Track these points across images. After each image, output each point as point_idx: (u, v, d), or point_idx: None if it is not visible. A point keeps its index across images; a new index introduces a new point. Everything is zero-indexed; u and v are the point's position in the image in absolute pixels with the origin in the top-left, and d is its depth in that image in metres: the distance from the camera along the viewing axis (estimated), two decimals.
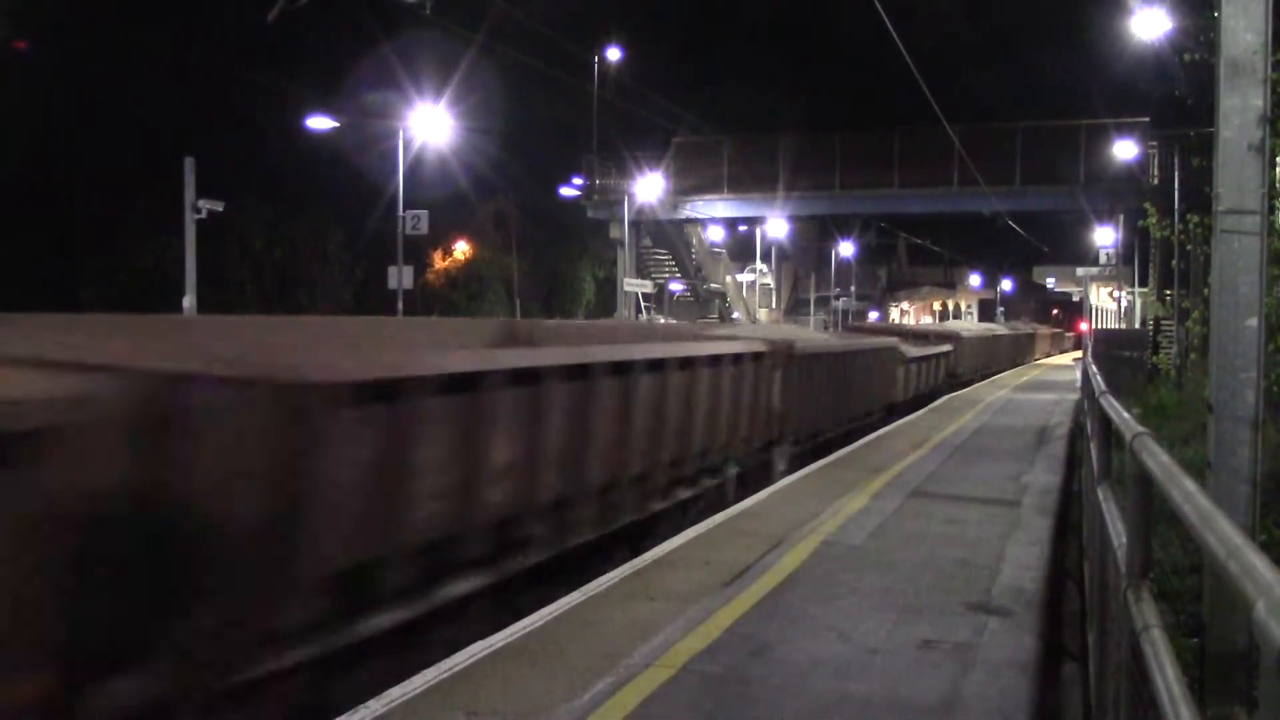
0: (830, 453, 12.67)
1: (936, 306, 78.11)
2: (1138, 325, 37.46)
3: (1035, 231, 54.49)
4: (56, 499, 3.51)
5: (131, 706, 3.84)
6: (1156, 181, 28.16)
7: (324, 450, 4.64)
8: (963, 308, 78.35)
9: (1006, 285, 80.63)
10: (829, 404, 13.93)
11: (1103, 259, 41.69)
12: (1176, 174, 20.50)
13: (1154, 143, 31.16)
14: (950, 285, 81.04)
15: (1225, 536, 1.79)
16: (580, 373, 6.95)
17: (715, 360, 9.43)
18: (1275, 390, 8.11)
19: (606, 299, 47.12)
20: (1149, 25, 17.86)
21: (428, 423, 5.39)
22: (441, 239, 43.79)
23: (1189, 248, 15.42)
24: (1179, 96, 15.27)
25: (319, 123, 27.04)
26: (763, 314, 53.44)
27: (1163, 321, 26.14)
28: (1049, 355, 51.34)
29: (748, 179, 39.83)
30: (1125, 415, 4.07)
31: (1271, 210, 6.85)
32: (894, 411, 18.39)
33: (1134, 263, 38.23)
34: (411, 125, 27.09)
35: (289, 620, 4.47)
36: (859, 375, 15.70)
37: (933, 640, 5.30)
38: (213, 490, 4.03)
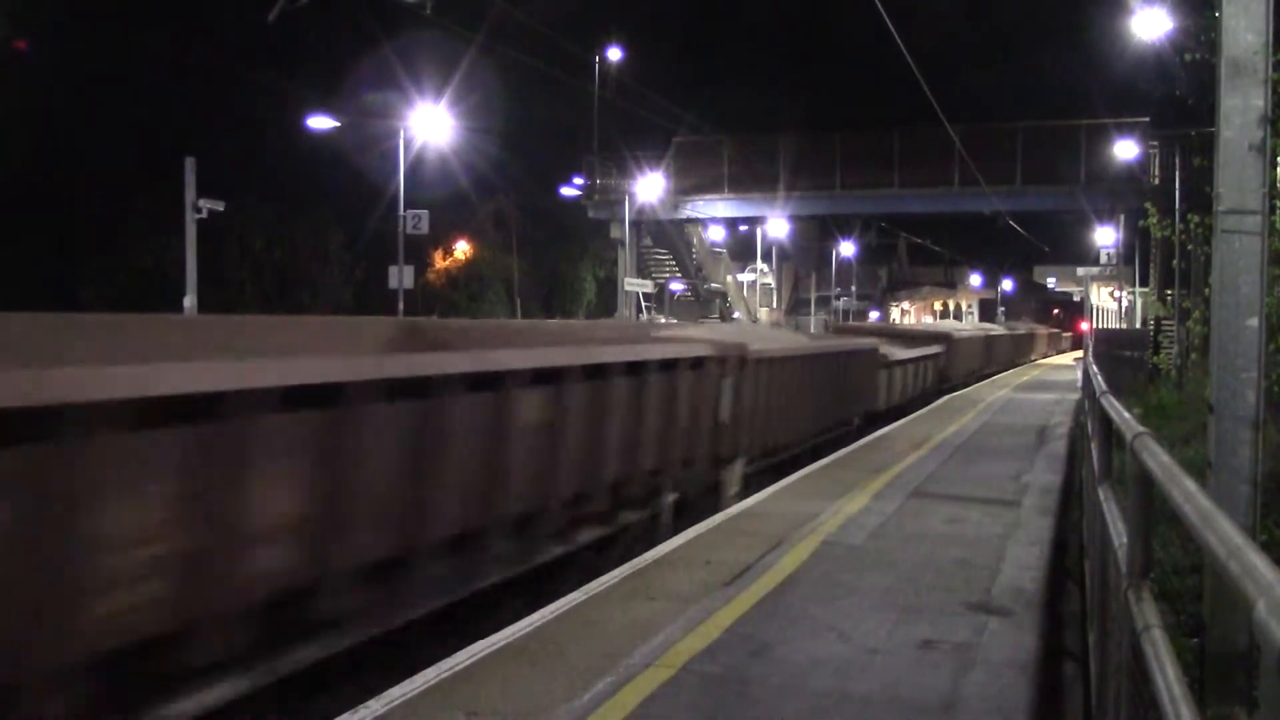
0: (797, 469, 11.40)
1: (937, 306, 78.09)
2: (1138, 325, 37.46)
3: (1036, 231, 54.52)
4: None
5: None
6: (1157, 181, 28.16)
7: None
8: (964, 308, 78.32)
9: (1007, 285, 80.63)
10: (794, 415, 12.46)
11: (1103, 259, 41.67)
12: (1177, 174, 20.49)
13: (1155, 142, 31.17)
14: (951, 285, 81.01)
15: (1226, 536, 1.79)
16: (419, 388, 5.38)
17: (636, 368, 7.79)
18: (1276, 390, 8.10)
19: (607, 299, 47.13)
20: (1149, 25, 17.86)
21: (251, 448, 4.25)
22: (442, 239, 43.81)
23: (1190, 248, 15.41)
24: (1180, 96, 15.26)
25: (319, 123, 27.05)
26: (763, 314, 53.46)
27: (1163, 321, 26.14)
28: (1047, 356, 50.39)
29: (748, 179, 39.83)
30: (1126, 415, 4.06)
31: (1272, 210, 6.84)
32: (875, 421, 16.81)
33: (1135, 263, 38.22)
34: (412, 125, 27.10)
35: None
36: (830, 381, 14.21)
37: (933, 640, 5.30)
38: None
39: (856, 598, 6.05)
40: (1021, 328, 49.65)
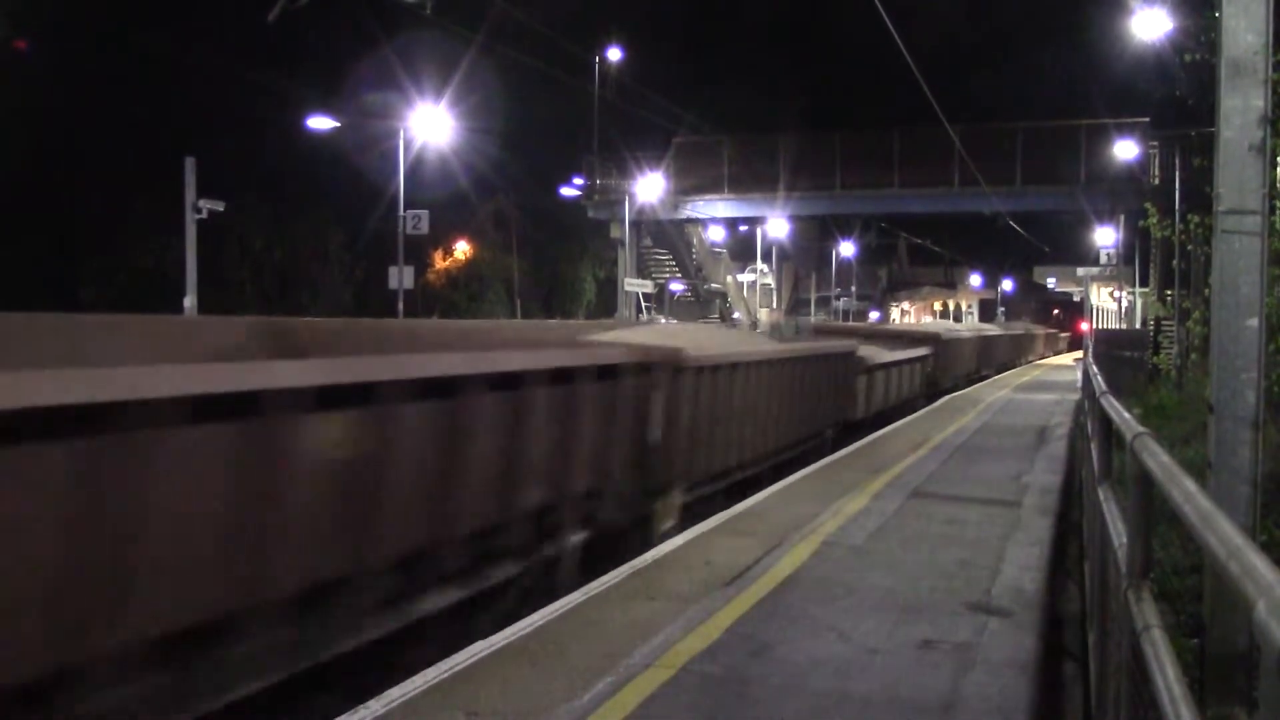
0: (759, 489, 10.05)
1: (937, 307, 78.08)
2: (1138, 325, 37.47)
3: (1036, 232, 54.55)
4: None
5: None
6: (1157, 182, 28.18)
7: None
8: (963, 308, 78.31)
9: (1007, 285, 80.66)
10: (750, 430, 10.91)
11: (1103, 259, 41.68)
12: (1177, 174, 20.50)
13: (1155, 143, 31.19)
14: (951, 285, 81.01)
15: (1226, 537, 1.79)
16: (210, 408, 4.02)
17: (511, 381, 6.08)
18: (1276, 390, 8.11)
19: (607, 299, 47.15)
20: (1149, 25, 17.87)
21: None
22: (442, 239, 43.83)
23: (1190, 248, 15.42)
24: (1179, 97, 15.27)
25: (319, 123, 27.08)
26: (763, 314, 53.45)
27: (1163, 322, 26.15)
28: (1044, 357, 49.32)
29: (748, 179, 39.85)
30: (1126, 415, 4.07)
31: (1272, 210, 6.85)
32: (852, 431, 15.25)
33: (1134, 263, 38.23)
34: (412, 125, 27.11)
35: None
36: (797, 390, 12.51)
37: (933, 640, 5.30)
38: None
39: (856, 598, 6.05)
40: (1017, 328, 47.63)
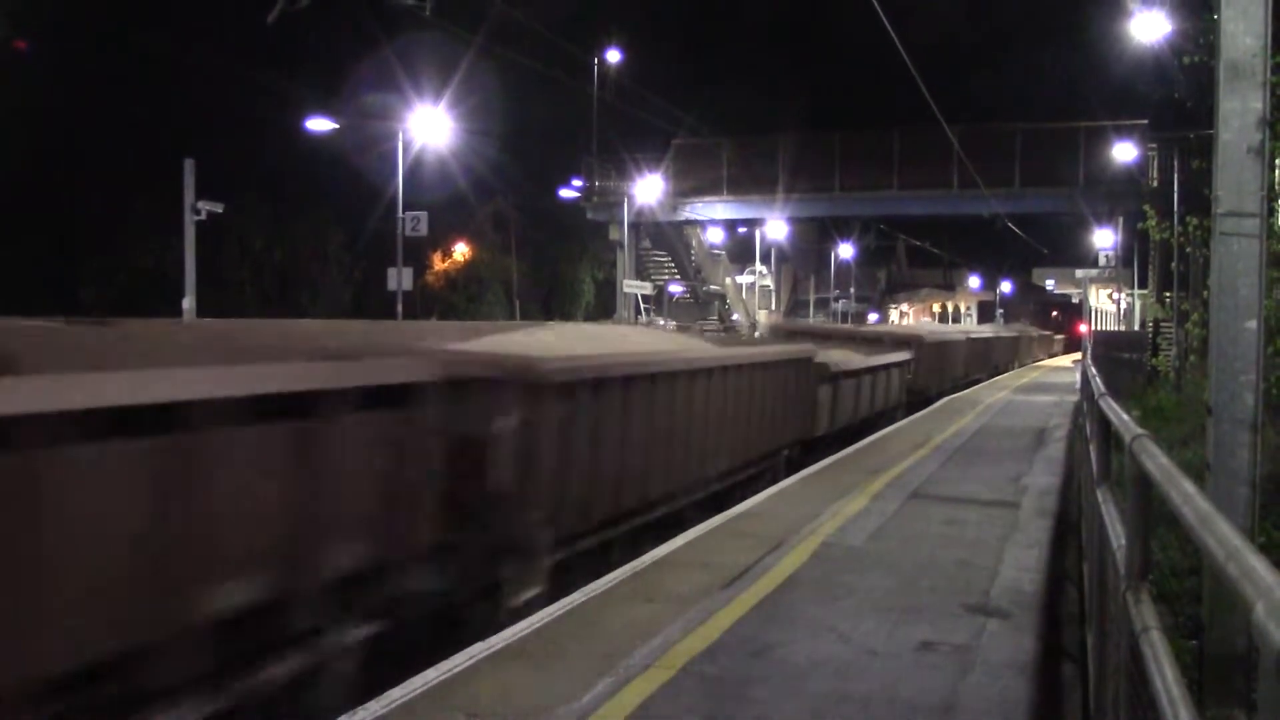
0: (680, 532, 8.12)
1: (936, 309, 78.13)
2: (1137, 327, 37.49)
3: (1035, 233, 54.55)
4: None
5: None
6: (1156, 184, 28.18)
7: None
8: (962, 310, 78.36)
9: (1006, 287, 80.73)
10: (662, 460, 8.63)
11: (1102, 261, 41.71)
12: (1176, 176, 20.53)
13: (1153, 145, 31.22)
14: (950, 287, 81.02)
15: (1224, 538, 1.79)
16: None
17: (167, 418, 4.01)
18: (1274, 392, 8.12)
19: (606, 301, 47.18)
20: (1148, 28, 17.88)
21: None
22: (441, 240, 43.83)
23: (1188, 250, 15.44)
24: (1178, 99, 15.28)
25: (319, 124, 27.07)
26: (762, 315, 53.45)
27: (1162, 324, 26.19)
28: (1037, 360, 47.57)
29: (747, 181, 39.86)
30: (1124, 417, 4.07)
31: (1271, 213, 6.86)
32: (813, 450, 13.33)
33: (1133, 265, 38.26)
34: (411, 127, 27.11)
35: None
36: (731, 405, 10.27)
37: (932, 641, 5.30)
38: None
39: (856, 599, 6.06)
40: (1007, 330, 44.69)
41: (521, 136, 44.51)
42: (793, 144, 39.84)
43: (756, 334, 27.91)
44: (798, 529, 7.97)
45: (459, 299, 44.88)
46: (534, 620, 5.52)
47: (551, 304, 49.78)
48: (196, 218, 22.15)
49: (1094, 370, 11.26)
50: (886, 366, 18.01)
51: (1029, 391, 26.32)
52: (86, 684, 3.83)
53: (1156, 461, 2.65)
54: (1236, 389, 5.71)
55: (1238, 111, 5.67)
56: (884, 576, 6.61)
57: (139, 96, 34.81)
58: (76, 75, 33.77)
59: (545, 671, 4.75)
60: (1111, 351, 28.18)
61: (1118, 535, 3.42)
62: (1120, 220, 36.98)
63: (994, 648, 5.26)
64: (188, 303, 22.11)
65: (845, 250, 58.65)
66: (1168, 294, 23.68)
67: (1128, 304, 42.67)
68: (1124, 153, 33.10)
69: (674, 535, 7.96)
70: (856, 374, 15.71)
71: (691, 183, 40.63)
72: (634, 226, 39.75)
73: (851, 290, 62.24)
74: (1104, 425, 4.68)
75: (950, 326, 42.56)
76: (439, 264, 46.13)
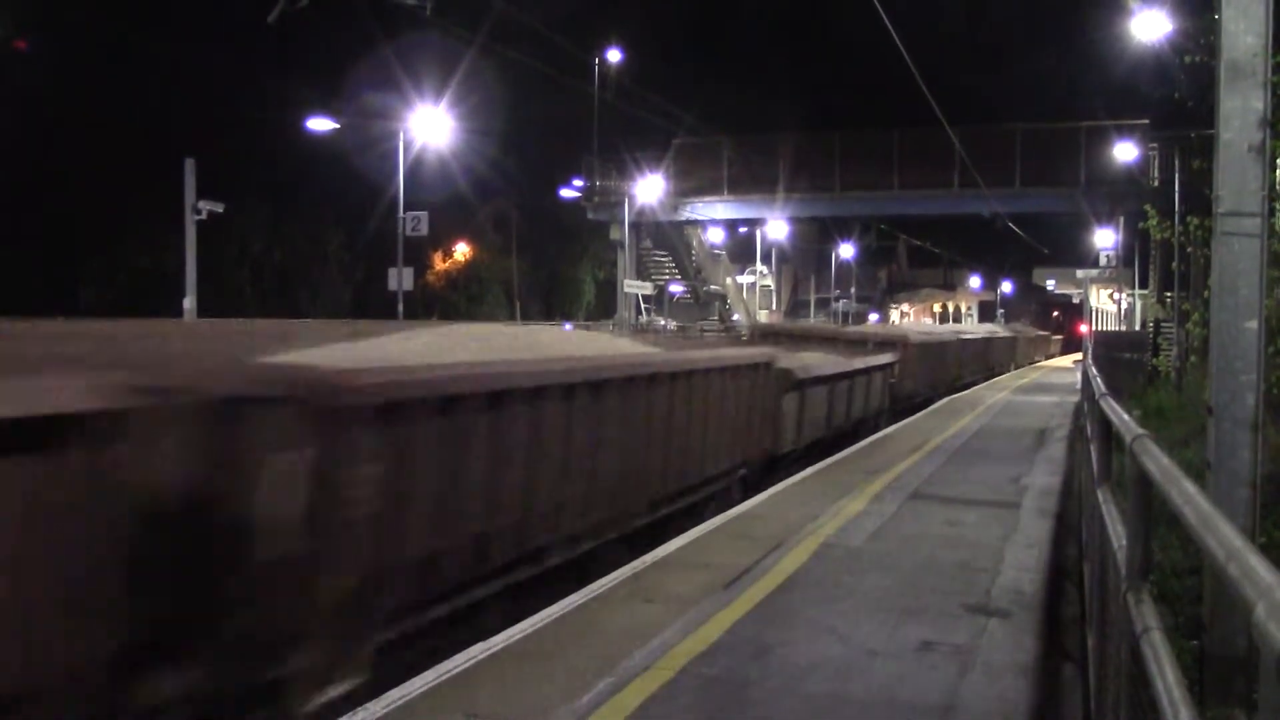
0: (591, 582, 6.53)
1: (936, 308, 78.16)
2: (1138, 327, 37.51)
3: (1035, 233, 54.59)
4: None
5: None
6: (1157, 183, 28.22)
7: None
8: (963, 309, 78.39)
9: (1007, 287, 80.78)
10: (546, 498, 6.74)
11: (1103, 261, 41.72)
12: (1177, 176, 20.54)
13: (1154, 145, 31.26)
14: (950, 287, 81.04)
15: (1225, 539, 1.78)
16: None
17: None
18: (1275, 392, 8.11)
19: (607, 300, 47.20)
20: (1149, 27, 17.87)
21: None
22: (442, 240, 43.87)
23: (1189, 250, 15.42)
24: (1179, 99, 15.27)
25: (319, 124, 27.08)
26: (763, 315, 53.48)
27: (1163, 324, 26.21)
28: (1034, 361, 45.96)
29: (747, 180, 39.87)
30: (1125, 417, 4.07)
31: (1272, 213, 6.85)
32: (776, 466, 11.93)
33: (1134, 265, 38.31)
34: (412, 126, 27.12)
35: None
36: (653, 424, 8.37)
37: (932, 642, 5.29)
38: None
39: (856, 600, 6.05)
40: (1002, 330, 42.72)
41: (522, 136, 44.60)
42: (793, 144, 39.85)
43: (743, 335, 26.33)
44: (798, 529, 7.97)
45: (459, 299, 44.92)
46: (533, 621, 5.51)
47: (552, 303, 49.83)
48: (197, 217, 22.16)
49: (1095, 370, 11.25)
50: (866, 371, 16.49)
51: (1029, 392, 26.32)
52: None
53: (1157, 462, 2.64)
54: (1237, 389, 5.71)
55: (1238, 111, 5.67)
56: (884, 577, 6.60)
57: (139, 96, 34.83)
58: (77, 75, 33.79)
59: (545, 672, 4.74)
60: (1112, 351, 28.18)
61: (1118, 535, 3.42)
62: (1121, 220, 37.00)
63: (994, 648, 5.25)
64: (188, 302, 22.12)
65: (846, 250, 58.69)
66: (1168, 294, 23.69)
67: (1128, 304, 42.72)
68: (1125, 152, 33.11)
69: (578, 586, 6.42)
70: (829, 380, 13.98)
71: (692, 182, 40.64)
72: (635, 226, 39.76)
73: (852, 290, 62.27)
74: (1105, 425, 4.67)
75: (942, 326, 41.17)
76: (440, 264, 46.16)
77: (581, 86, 36.34)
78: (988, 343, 34.32)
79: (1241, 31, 5.64)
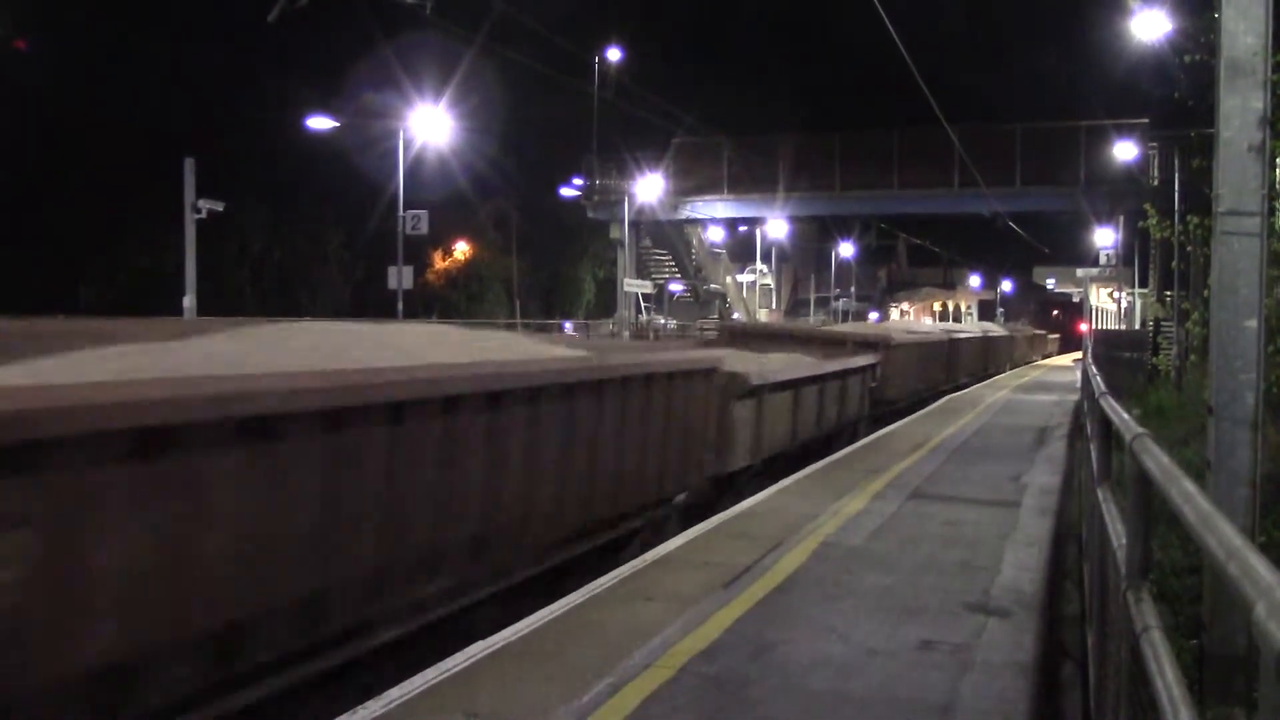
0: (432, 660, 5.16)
1: (936, 307, 78.14)
2: (1138, 326, 37.51)
3: (1035, 232, 54.54)
4: None
5: None
6: (1157, 183, 28.24)
7: None
8: (963, 308, 78.36)
9: (1006, 286, 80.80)
10: (365, 556, 5.08)
11: (1103, 260, 41.72)
12: (1177, 175, 20.55)
13: (1154, 144, 31.28)
14: (950, 286, 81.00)
15: (1225, 538, 1.79)
16: None
17: None
18: (1275, 392, 8.12)
19: (607, 299, 47.21)
20: (1149, 27, 17.88)
21: None
22: (442, 239, 43.88)
23: (1189, 249, 15.44)
24: (1179, 98, 15.27)
25: (319, 123, 27.08)
26: (763, 314, 53.48)
27: (1162, 323, 26.21)
28: (1030, 361, 44.76)
29: (747, 180, 39.88)
30: (1125, 416, 4.07)
31: (1271, 212, 6.85)
32: (730, 486, 10.58)
33: (1134, 264, 38.30)
34: (412, 125, 27.12)
35: None
36: (543, 450, 6.72)
37: (932, 641, 5.30)
38: None
39: (856, 599, 6.05)
40: (996, 330, 41.01)
41: (522, 135, 44.60)
42: (793, 143, 39.88)
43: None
44: (797, 528, 7.97)
45: (459, 298, 44.93)
46: (533, 620, 5.51)
47: (553, 302, 49.84)
48: (197, 216, 22.18)
49: (1094, 369, 11.26)
50: (841, 374, 14.76)
51: (1029, 391, 26.32)
52: None
53: (1157, 461, 2.65)
54: (1237, 388, 5.71)
55: (1238, 110, 5.67)
56: (884, 576, 6.60)
57: (139, 96, 34.83)
58: (77, 75, 33.79)
59: (545, 671, 4.74)
60: (1112, 350, 28.18)
61: (1118, 534, 3.42)
62: (1121, 219, 37.01)
63: (994, 647, 5.25)
64: (188, 301, 22.13)
65: (846, 249, 58.69)
66: (1168, 293, 23.70)
67: (1128, 303, 42.70)
68: (1124, 151, 33.13)
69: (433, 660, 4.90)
70: (793, 385, 12.29)
71: (692, 182, 40.66)
72: (634, 225, 39.78)
73: (852, 289, 62.26)
74: (1104, 424, 4.67)
75: (931, 326, 39.71)
76: (440, 263, 46.16)
77: (581, 86, 36.37)
78: (982, 342, 32.92)
79: (1241, 31, 5.65)
